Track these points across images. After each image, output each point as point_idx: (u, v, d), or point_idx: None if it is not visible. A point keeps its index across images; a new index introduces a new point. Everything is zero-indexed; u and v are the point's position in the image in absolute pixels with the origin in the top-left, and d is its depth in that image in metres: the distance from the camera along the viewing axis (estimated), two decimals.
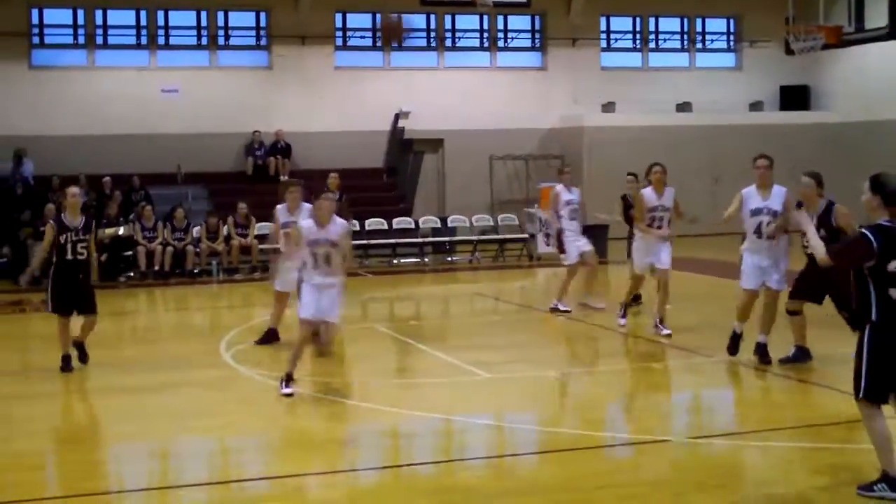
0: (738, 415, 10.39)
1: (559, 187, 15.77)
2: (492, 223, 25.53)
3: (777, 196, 11.49)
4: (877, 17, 23.21)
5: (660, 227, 13.65)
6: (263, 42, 27.56)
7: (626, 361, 12.86)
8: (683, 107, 29.75)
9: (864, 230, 7.11)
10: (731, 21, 31.42)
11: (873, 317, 7.06)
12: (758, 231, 11.47)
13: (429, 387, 11.64)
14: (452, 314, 16.26)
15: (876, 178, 7.17)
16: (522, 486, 7.80)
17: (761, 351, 11.53)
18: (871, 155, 27.60)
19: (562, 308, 15.43)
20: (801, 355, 11.44)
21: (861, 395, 7.12)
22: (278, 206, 13.42)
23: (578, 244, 15.49)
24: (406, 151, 27.54)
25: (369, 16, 28.31)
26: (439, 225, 24.98)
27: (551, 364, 12.02)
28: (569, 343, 14.12)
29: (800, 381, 10.97)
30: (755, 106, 30.57)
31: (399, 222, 24.26)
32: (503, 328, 15.25)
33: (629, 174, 16.01)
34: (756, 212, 11.48)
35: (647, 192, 13.69)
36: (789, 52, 27.01)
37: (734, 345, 11.77)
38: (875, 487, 7.14)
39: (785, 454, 8.37)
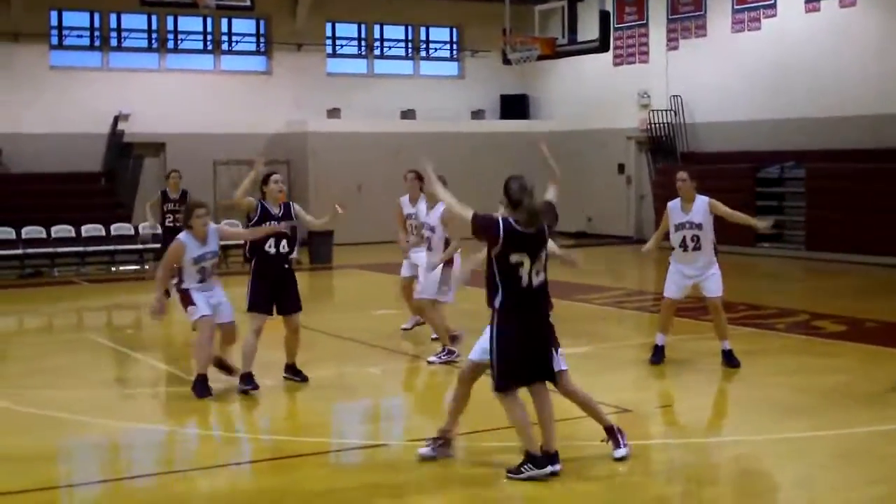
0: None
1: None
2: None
3: (699, 207, 11.75)
4: (589, 31, 24.17)
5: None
6: None
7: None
8: (408, 114, 30.13)
9: (497, 216, 7.77)
10: (454, 30, 32.06)
11: (496, 304, 7.67)
12: (683, 245, 11.89)
13: (145, 397, 11.32)
14: (173, 321, 15.83)
15: (506, 184, 7.87)
16: (243, 496, 7.67)
17: (727, 357, 11.66)
18: (585, 161, 28.80)
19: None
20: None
21: (499, 387, 7.69)
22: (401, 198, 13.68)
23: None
24: (125, 155, 26.71)
25: (87, 14, 27.33)
26: (158, 231, 24.27)
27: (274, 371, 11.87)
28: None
29: None
30: (477, 114, 31.30)
31: (118, 228, 23.44)
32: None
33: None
34: (679, 227, 11.86)
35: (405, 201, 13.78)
36: (507, 61, 27.72)
37: (656, 354, 11.89)
38: (522, 469, 7.62)
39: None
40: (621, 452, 8.00)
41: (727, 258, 23.06)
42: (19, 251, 22.03)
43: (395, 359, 12.80)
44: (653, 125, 27.45)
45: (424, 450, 8.13)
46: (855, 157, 22.98)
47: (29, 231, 22.58)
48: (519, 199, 7.71)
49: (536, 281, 7.71)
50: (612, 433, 8.10)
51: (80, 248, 22.79)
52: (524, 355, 7.66)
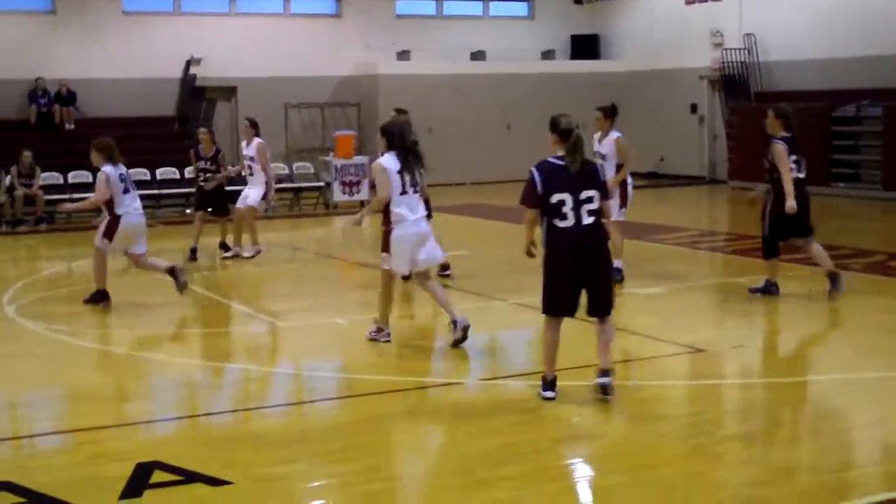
0: (529, 355, 10.63)
1: None
2: (287, 171, 25.29)
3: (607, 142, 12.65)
4: None
5: None
6: None
7: (420, 307, 12.94)
8: (477, 55, 29.97)
9: (531, 168, 8.01)
10: None
11: (544, 243, 8.01)
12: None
13: (222, 336, 11.50)
14: (247, 263, 16.03)
15: (552, 120, 8.10)
16: (317, 432, 7.79)
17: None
18: (657, 102, 28.54)
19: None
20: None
21: (545, 310, 8.10)
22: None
23: None
24: (198, 99, 26.94)
25: None
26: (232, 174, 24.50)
27: (345, 311, 11.97)
28: (363, 291, 14.10)
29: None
30: (547, 55, 31.05)
31: (192, 171, 23.58)
32: (299, 277, 15.18)
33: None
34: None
35: None
36: (577, 1, 27.53)
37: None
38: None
39: (568, 391, 8.63)
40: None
41: None
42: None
43: (466, 300, 12.85)
44: (726, 64, 27.05)
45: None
46: None
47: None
48: (569, 129, 7.91)
49: (588, 220, 7.85)
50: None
51: (155, 191, 23.06)
52: (568, 293, 7.91)
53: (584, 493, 6.64)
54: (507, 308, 12.09)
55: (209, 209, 16.59)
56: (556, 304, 8.03)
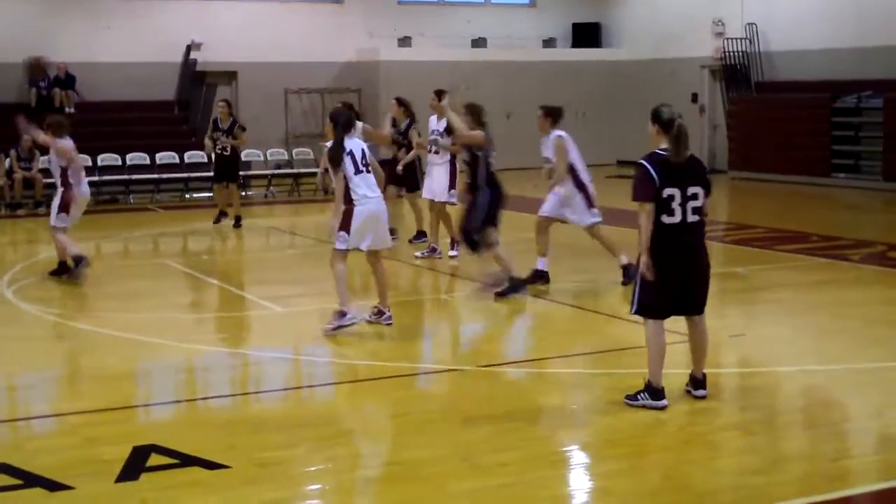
0: (527, 344, 10.63)
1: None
2: (287, 157, 25.27)
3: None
4: None
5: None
6: None
7: (419, 294, 12.95)
8: (478, 42, 29.91)
9: (641, 161, 7.58)
10: None
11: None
12: None
13: (221, 321, 11.50)
14: (247, 249, 16.06)
15: (653, 110, 7.68)
16: (316, 417, 7.79)
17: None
18: (657, 90, 28.44)
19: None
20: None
21: (635, 311, 7.66)
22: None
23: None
24: (198, 84, 26.89)
25: None
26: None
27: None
28: (364, 277, 14.09)
29: (585, 309, 11.29)
30: (549, 42, 30.99)
31: (191, 156, 23.66)
32: (298, 262, 15.17)
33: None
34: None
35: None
36: None
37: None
38: (639, 396, 7.65)
39: (567, 379, 8.63)
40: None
41: (802, 188, 22.96)
42: (95, 178, 22.30)
43: (464, 286, 12.84)
44: (727, 53, 27.00)
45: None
46: None
47: (104, 158, 22.86)
48: (671, 119, 7.55)
49: (692, 217, 7.52)
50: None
51: (155, 176, 23.06)
52: (666, 291, 7.52)
53: (582, 480, 6.63)
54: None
55: (224, 181, 17.62)
56: (655, 306, 7.59)
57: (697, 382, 7.82)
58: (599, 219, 12.36)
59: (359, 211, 9.97)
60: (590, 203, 12.26)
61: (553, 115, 12.20)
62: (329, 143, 10.13)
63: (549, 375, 8.88)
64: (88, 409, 7.87)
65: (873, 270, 13.51)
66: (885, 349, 9.38)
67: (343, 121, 10.16)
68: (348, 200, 9.97)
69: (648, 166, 7.50)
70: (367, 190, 10.00)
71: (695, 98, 28.51)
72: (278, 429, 7.38)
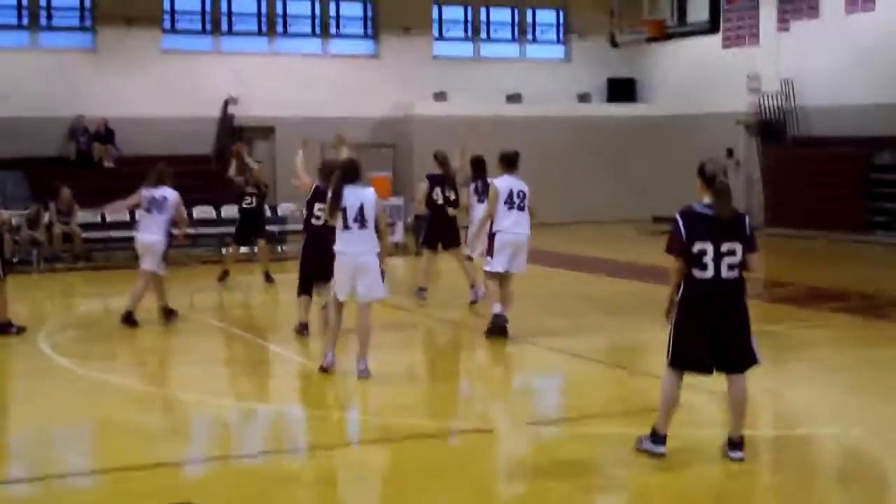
0: (559, 401, 10.58)
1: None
2: None
3: None
4: (698, 12, 23.89)
5: None
6: (87, 23, 26.75)
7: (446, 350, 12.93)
8: (513, 97, 30.07)
9: (675, 215, 7.77)
10: (560, 13, 31.87)
11: (681, 293, 7.63)
12: None
13: (256, 377, 11.52)
14: (282, 303, 16.05)
15: (700, 164, 7.86)
16: (347, 476, 7.77)
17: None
18: (693, 145, 28.43)
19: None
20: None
21: (670, 362, 7.73)
22: None
23: None
24: (236, 139, 27.11)
25: None
26: (270, 214, 24.62)
27: (375, 352, 11.96)
28: (394, 332, 14.10)
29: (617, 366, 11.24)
30: (583, 98, 31.11)
31: (228, 210, 23.79)
32: None
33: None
34: None
35: None
36: (614, 44, 27.56)
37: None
38: (643, 440, 7.85)
39: (603, 438, 8.58)
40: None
41: (840, 245, 22.79)
42: (132, 233, 22.45)
43: (498, 342, 12.81)
44: (763, 109, 27.01)
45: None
46: None
47: (141, 213, 22.96)
48: (713, 175, 7.64)
49: (728, 274, 7.53)
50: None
51: (192, 230, 23.16)
52: (697, 345, 7.56)
53: None
54: (539, 352, 12.03)
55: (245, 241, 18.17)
56: (682, 357, 7.65)
57: (734, 444, 7.75)
58: (490, 268, 12.45)
59: (336, 263, 10.35)
60: (490, 251, 12.48)
61: (504, 161, 12.90)
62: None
63: (586, 434, 8.82)
64: (124, 466, 7.89)
65: None
66: None
67: (343, 170, 10.33)
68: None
69: (679, 220, 7.65)
70: (343, 246, 10.25)
71: (730, 153, 28.47)
72: (309, 486, 7.37)
